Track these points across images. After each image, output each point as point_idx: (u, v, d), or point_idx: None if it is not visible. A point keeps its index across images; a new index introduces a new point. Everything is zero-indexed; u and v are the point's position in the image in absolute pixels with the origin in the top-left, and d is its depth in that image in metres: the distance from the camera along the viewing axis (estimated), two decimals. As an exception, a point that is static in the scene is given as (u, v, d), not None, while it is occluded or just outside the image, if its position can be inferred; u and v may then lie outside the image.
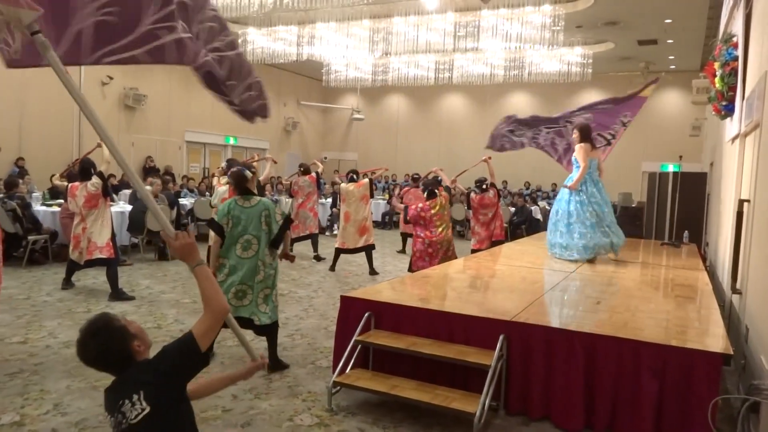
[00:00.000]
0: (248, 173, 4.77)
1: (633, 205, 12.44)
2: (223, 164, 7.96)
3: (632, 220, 10.83)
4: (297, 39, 14.02)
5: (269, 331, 4.66)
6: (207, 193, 12.89)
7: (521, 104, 20.39)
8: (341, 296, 4.48)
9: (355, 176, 9.37)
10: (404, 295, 4.68)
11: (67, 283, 7.13)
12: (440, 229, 7.04)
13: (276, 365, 4.59)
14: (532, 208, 15.00)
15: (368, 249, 9.07)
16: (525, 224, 14.30)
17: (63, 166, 13.47)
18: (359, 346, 4.10)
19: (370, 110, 22.09)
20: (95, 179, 6.89)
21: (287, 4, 10.79)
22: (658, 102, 18.33)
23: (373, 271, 9.02)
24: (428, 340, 4.02)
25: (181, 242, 2.02)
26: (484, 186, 8.63)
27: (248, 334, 5.20)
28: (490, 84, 16.68)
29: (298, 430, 3.59)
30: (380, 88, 19.03)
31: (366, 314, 4.20)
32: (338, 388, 3.96)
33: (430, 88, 18.43)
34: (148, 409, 1.84)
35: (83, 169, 7.01)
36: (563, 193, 6.71)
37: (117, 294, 6.71)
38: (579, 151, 6.41)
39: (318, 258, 10.05)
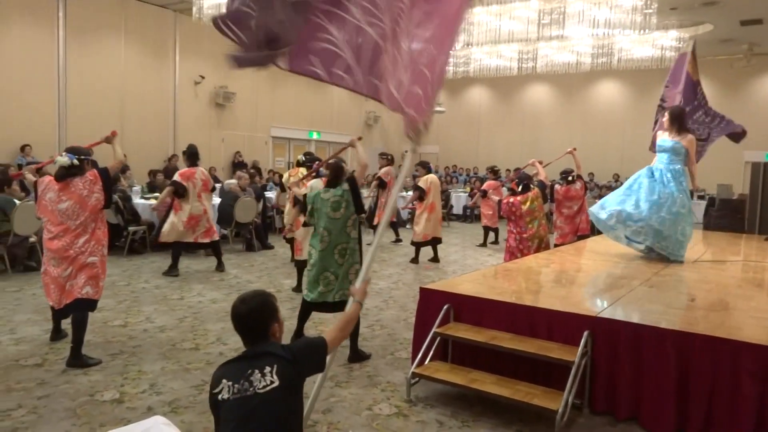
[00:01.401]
0: (344, 165, 4.87)
1: (734, 198, 11.62)
2: (301, 157, 7.92)
3: (733, 214, 10.11)
4: (378, 33, 14.09)
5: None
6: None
7: (610, 93, 19.56)
8: (420, 288, 4.48)
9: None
10: (484, 288, 4.61)
11: (173, 270, 7.57)
12: (530, 225, 6.86)
13: (356, 356, 4.65)
14: (621, 201, 14.33)
15: (439, 241, 9.39)
16: (613, 218, 13.68)
17: (160, 162, 14.35)
18: (438, 339, 4.09)
19: (451, 103, 21.91)
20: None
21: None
22: (763, 86, 17.01)
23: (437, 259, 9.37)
24: (509, 334, 3.94)
25: (367, 288, 2.67)
26: (570, 178, 8.33)
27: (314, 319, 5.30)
28: (576, 73, 16.08)
29: (377, 419, 3.63)
30: (461, 80, 18.82)
31: (445, 306, 4.18)
32: (417, 379, 3.97)
33: (513, 78, 18.03)
34: (277, 383, 2.01)
35: (192, 154, 7.58)
36: (665, 175, 6.03)
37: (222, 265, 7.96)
38: (692, 144, 5.92)
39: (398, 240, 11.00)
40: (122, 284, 7.01)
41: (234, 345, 4.73)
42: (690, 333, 3.46)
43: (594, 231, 8.40)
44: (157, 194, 10.13)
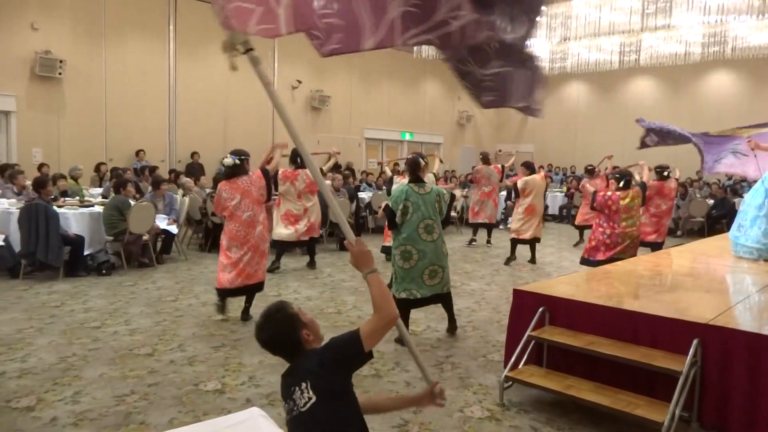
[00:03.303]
0: (422, 161, 5.12)
1: None
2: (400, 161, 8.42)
3: None
4: (471, 31, 13.93)
5: (451, 298, 5.21)
6: (384, 187, 13.42)
7: (723, 84, 18.18)
8: (514, 289, 4.37)
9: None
10: (581, 291, 4.42)
11: (274, 263, 7.97)
12: (624, 223, 6.55)
13: (454, 326, 5.22)
14: (734, 200, 13.31)
15: (537, 240, 9.13)
16: (726, 218, 12.74)
17: (260, 163, 14.98)
18: (532, 342, 3.97)
19: (547, 99, 21.22)
20: None
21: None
22: None
23: (534, 260, 9.16)
24: (608, 339, 3.75)
25: (360, 249, 2.15)
26: (666, 173, 8.13)
27: (420, 312, 5.31)
28: (684, 64, 15.07)
29: (468, 421, 3.58)
30: (558, 75, 18.20)
31: (540, 309, 4.04)
32: (510, 383, 3.87)
33: (613, 72, 17.22)
34: (314, 399, 1.92)
35: (292, 157, 8.04)
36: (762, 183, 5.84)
37: (313, 263, 8.33)
38: None
39: (489, 242, 10.86)
40: (224, 281, 7.37)
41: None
42: (817, 345, 3.13)
43: (705, 232, 8.00)
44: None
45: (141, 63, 13.38)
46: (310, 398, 1.92)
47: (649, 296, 4.48)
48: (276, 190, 7.84)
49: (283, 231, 7.93)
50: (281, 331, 2.06)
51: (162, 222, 8.42)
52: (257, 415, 2.40)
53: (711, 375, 3.41)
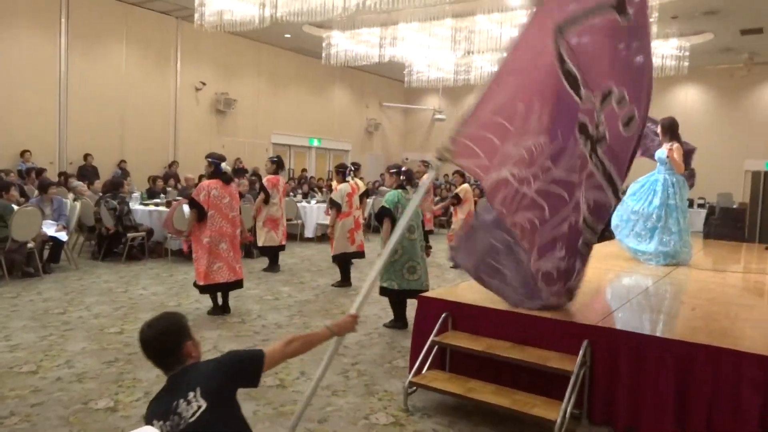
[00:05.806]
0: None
1: (734, 207, 11.59)
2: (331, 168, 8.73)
3: (733, 223, 10.09)
4: (379, 41, 14.12)
5: None
6: (294, 191, 13.29)
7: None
8: (418, 296, 4.45)
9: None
10: (483, 296, 4.56)
11: (273, 267, 8.64)
12: None
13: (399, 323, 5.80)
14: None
15: None
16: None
17: (160, 168, 14.35)
18: (436, 347, 4.05)
19: (452, 110, 21.92)
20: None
21: (370, 6, 10.87)
22: (763, 95, 17.00)
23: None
24: (507, 343, 3.91)
25: (355, 323, 2.53)
26: None
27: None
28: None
29: (373, 428, 3.59)
30: (462, 87, 18.79)
31: (443, 314, 4.14)
32: (414, 388, 3.93)
33: (513, 86, 18.01)
34: (204, 405, 1.89)
35: (280, 163, 8.70)
36: (646, 193, 6.33)
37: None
38: (676, 152, 6.02)
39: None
40: (120, 291, 6.98)
41: (230, 352, 4.69)
42: (690, 342, 3.42)
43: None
44: (156, 200, 10.13)
45: (28, 56, 12.42)
46: (199, 406, 1.89)
47: (545, 300, 4.71)
48: (268, 197, 8.24)
49: (267, 236, 8.37)
50: (169, 332, 2.06)
51: (50, 228, 7.84)
52: (152, 433, 2.27)
53: (599, 373, 3.63)
